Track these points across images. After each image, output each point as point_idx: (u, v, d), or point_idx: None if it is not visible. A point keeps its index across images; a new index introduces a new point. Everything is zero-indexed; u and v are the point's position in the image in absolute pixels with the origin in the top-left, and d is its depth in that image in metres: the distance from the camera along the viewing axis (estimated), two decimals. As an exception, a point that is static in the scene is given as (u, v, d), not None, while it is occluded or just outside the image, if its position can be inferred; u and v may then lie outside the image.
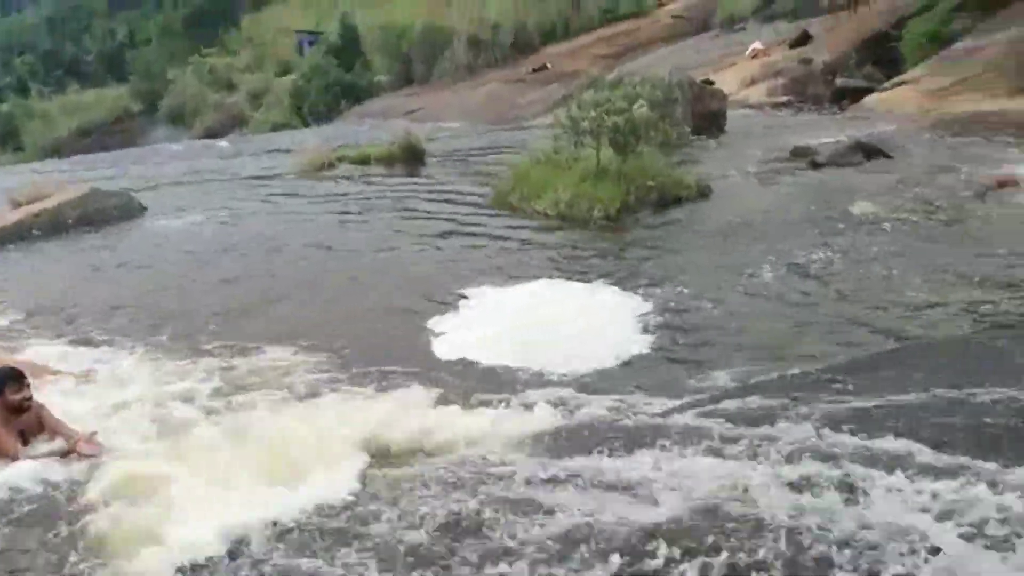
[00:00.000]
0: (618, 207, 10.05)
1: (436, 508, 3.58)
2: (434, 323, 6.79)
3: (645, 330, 6.41)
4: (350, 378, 5.59)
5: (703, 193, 10.69)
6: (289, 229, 10.79)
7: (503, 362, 5.81)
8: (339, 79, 32.27)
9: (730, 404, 4.51)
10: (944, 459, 3.52)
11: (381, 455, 4.30)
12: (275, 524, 3.59)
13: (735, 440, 3.89)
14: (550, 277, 8.06)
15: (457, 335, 6.44)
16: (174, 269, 9.28)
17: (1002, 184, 9.48)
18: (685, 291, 7.24)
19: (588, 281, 7.81)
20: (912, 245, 7.98)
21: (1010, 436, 3.70)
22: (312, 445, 4.17)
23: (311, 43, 39.38)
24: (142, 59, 45.02)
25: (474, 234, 9.94)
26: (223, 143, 23.52)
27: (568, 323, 6.62)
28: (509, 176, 11.63)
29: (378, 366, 5.73)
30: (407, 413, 4.64)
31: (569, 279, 7.96)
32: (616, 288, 7.54)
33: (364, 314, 7.34)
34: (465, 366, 5.84)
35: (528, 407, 4.77)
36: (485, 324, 6.67)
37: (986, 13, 16.09)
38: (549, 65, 27.65)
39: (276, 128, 29.77)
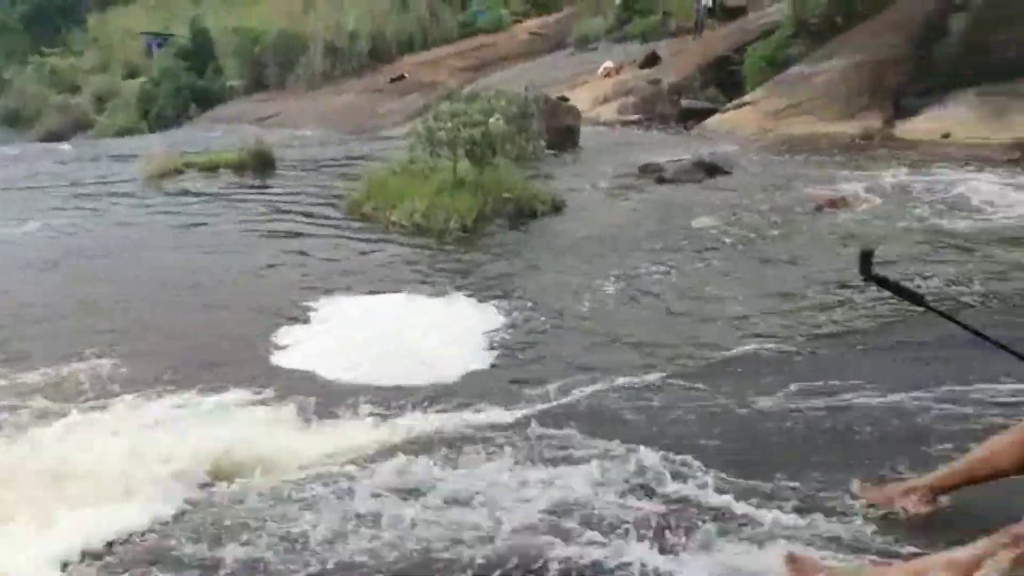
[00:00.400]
0: (474, 218, 10.12)
1: (272, 526, 3.49)
2: (280, 336, 6.62)
3: (492, 344, 6.46)
4: (183, 393, 5.36)
5: (557, 207, 10.90)
6: (130, 238, 10.35)
7: (347, 376, 5.73)
8: (190, 83, 31.32)
9: (563, 417, 4.61)
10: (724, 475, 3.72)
11: (214, 474, 4.16)
12: (83, 553, 3.43)
13: (567, 451, 3.96)
14: (403, 289, 8.02)
15: (302, 348, 6.30)
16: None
17: (831, 203, 10.07)
18: (535, 304, 7.35)
19: (441, 293, 7.81)
20: (744, 260, 8.37)
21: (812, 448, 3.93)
22: (133, 466, 3.99)
23: (160, 45, 37.97)
24: (-25, 58, 42.33)
25: (326, 244, 9.79)
26: (65, 147, 22.40)
27: (417, 336, 6.59)
28: (364, 186, 11.53)
29: (216, 381, 5.52)
30: (244, 429, 4.51)
31: (422, 291, 7.95)
32: (469, 300, 7.58)
33: (204, 326, 7.08)
34: (308, 380, 5.71)
35: (369, 421, 4.74)
36: (332, 337, 6.56)
37: (817, 42, 17.13)
38: (407, 75, 27.64)
39: (122, 132, 28.52)
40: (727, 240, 9.04)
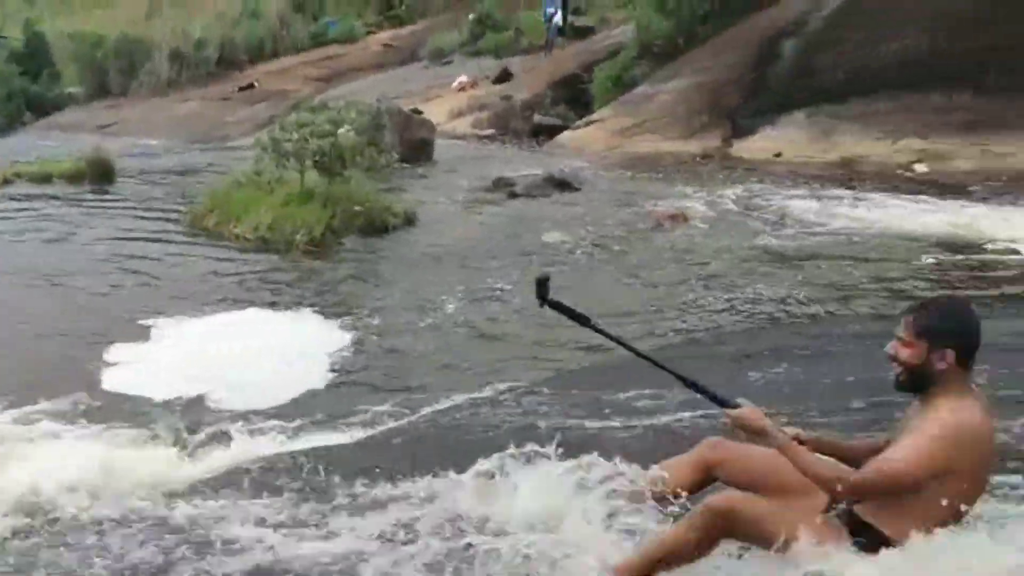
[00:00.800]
0: (323, 231, 9.97)
1: (93, 558, 3.34)
2: (112, 354, 6.36)
3: (333, 361, 6.43)
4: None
5: (409, 220, 10.87)
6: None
7: (179, 394, 5.56)
8: (23, 88, 29.60)
9: (401, 434, 4.63)
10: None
11: (33, 506, 3.93)
12: None
13: (402, 473, 3.94)
14: (246, 304, 7.86)
15: (134, 367, 6.08)
16: None
17: (672, 217, 10.49)
18: (380, 320, 7.36)
19: (285, 309, 7.71)
20: (590, 272, 8.62)
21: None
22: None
23: (-10, 47, 35.66)
24: None
25: (167, 259, 9.48)
26: None
27: (256, 353, 6.47)
28: (207, 198, 11.19)
29: (40, 402, 5.25)
30: (67, 453, 4.30)
31: (266, 307, 7.81)
32: (314, 317, 7.50)
33: (29, 345, 6.72)
34: (138, 401, 5.51)
35: (201, 442, 4.61)
36: (166, 356, 6.35)
37: (661, 63, 17.78)
38: (257, 84, 27.02)
39: (-57, 138, 26.59)
40: (575, 254, 9.27)
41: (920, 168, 13.34)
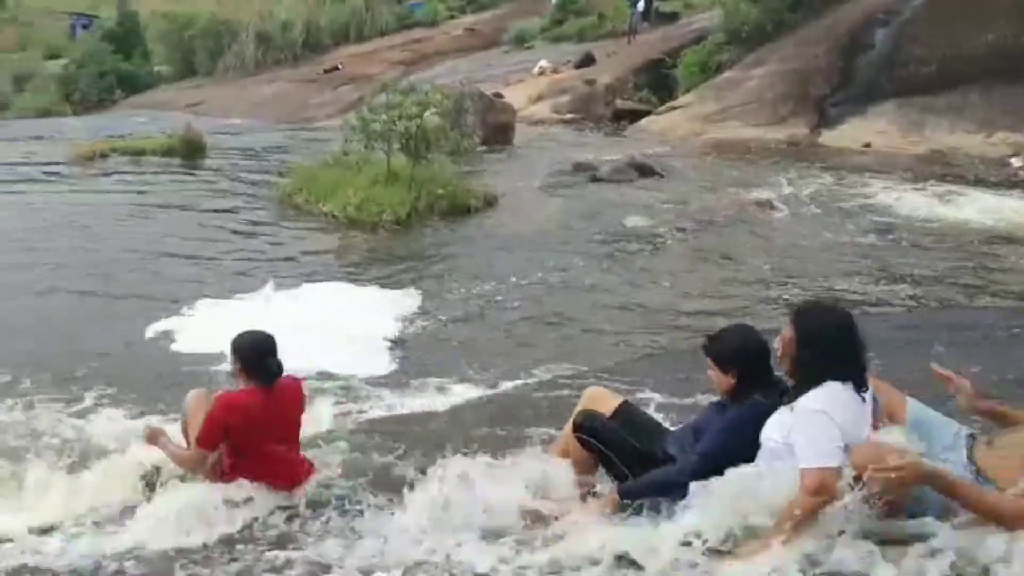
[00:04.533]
0: (407, 212, 10.10)
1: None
2: (203, 321, 6.60)
3: (409, 336, 6.60)
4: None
5: (490, 203, 10.94)
6: (46, 222, 10.02)
7: None
8: (115, 67, 30.44)
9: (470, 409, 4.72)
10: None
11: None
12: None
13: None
14: (333, 279, 8.04)
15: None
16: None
17: (757, 205, 10.34)
18: (458, 299, 7.46)
19: (368, 285, 7.86)
20: (674, 259, 8.56)
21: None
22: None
23: (85, 27, 36.93)
24: None
25: (258, 233, 9.72)
26: (-21, 126, 21.56)
27: (339, 325, 6.65)
28: (296, 176, 11.41)
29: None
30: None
31: (351, 282, 7.97)
32: (395, 293, 7.63)
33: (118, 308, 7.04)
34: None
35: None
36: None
37: (748, 49, 17.50)
38: (341, 66, 27.35)
39: (41, 114, 27.55)
40: (658, 239, 9.21)
41: (1016, 163, 12.91)
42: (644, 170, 12.41)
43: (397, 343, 6.51)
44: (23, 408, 4.85)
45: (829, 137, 14.93)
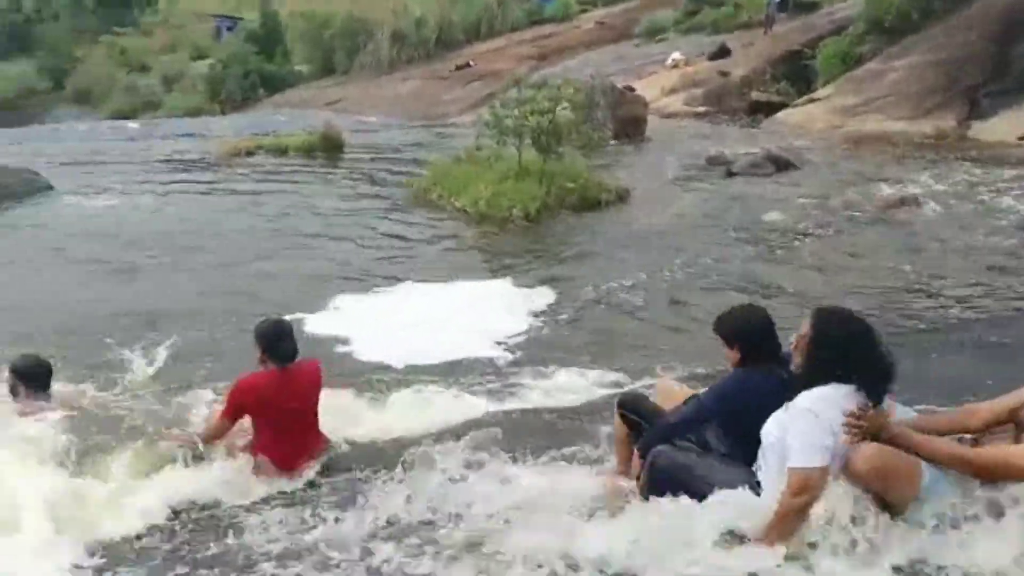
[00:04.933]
0: (538, 207, 10.13)
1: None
2: (338, 311, 6.86)
3: (535, 330, 6.65)
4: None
5: (622, 197, 10.87)
6: (203, 216, 10.60)
7: (394, 350, 6.01)
8: (258, 67, 31.79)
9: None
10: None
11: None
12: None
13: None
14: (465, 273, 8.19)
15: (360, 324, 6.58)
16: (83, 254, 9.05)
17: (901, 202, 9.90)
18: (586, 295, 7.42)
19: (499, 278, 7.98)
20: (812, 256, 8.29)
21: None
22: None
23: (230, 28, 38.64)
24: (50, 35, 43.27)
25: (394, 227, 9.97)
26: (133, 124, 22.88)
27: (467, 319, 6.81)
28: (430, 172, 11.64)
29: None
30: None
31: (482, 276, 8.09)
32: (525, 288, 7.68)
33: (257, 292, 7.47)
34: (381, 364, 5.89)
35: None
36: (387, 314, 6.94)
37: (892, 39, 16.76)
38: (473, 63, 27.69)
39: (190, 113, 29.05)
40: (796, 236, 8.94)
41: None
42: (781, 164, 12.07)
43: (526, 338, 6.53)
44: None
45: (980, 130, 14.13)
